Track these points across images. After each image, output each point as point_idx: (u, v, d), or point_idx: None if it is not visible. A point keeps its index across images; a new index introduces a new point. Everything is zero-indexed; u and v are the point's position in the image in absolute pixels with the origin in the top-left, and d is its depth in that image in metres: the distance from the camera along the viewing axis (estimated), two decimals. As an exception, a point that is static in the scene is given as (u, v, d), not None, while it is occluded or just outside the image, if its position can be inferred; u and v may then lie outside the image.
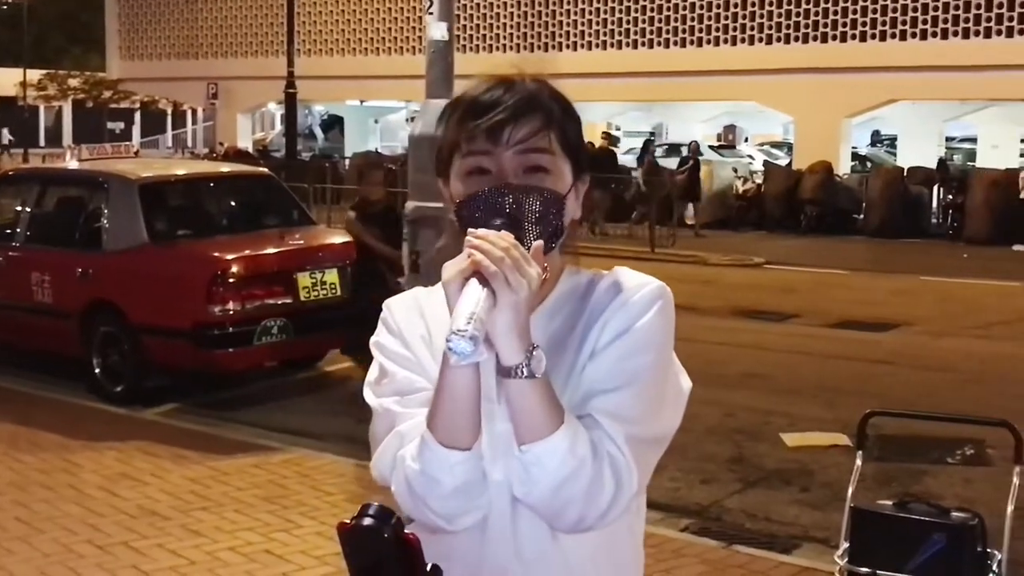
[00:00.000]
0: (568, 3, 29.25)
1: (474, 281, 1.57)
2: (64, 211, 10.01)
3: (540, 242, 1.68)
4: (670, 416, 1.81)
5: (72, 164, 11.02)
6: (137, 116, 54.10)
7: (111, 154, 10.65)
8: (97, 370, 9.12)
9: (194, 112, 52.37)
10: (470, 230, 1.64)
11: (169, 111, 54.36)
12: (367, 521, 1.36)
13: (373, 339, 1.89)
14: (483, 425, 1.70)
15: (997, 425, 4.23)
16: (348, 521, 1.37)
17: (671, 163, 29.54)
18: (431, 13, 4.36)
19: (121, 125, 52.66)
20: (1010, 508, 4.13)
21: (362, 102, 38.78)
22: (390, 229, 8.41)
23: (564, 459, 1.64)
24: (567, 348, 1.78)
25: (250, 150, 33.22)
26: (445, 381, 1.65)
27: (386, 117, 42.99)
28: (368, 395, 1.86)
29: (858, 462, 4.34)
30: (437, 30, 4.41)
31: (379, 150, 34.93)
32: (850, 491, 4.20)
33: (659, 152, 34.18)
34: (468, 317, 1.52)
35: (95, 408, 8.78)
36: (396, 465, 1.73)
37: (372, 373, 1.87)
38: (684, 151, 26.56)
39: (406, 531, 1.37)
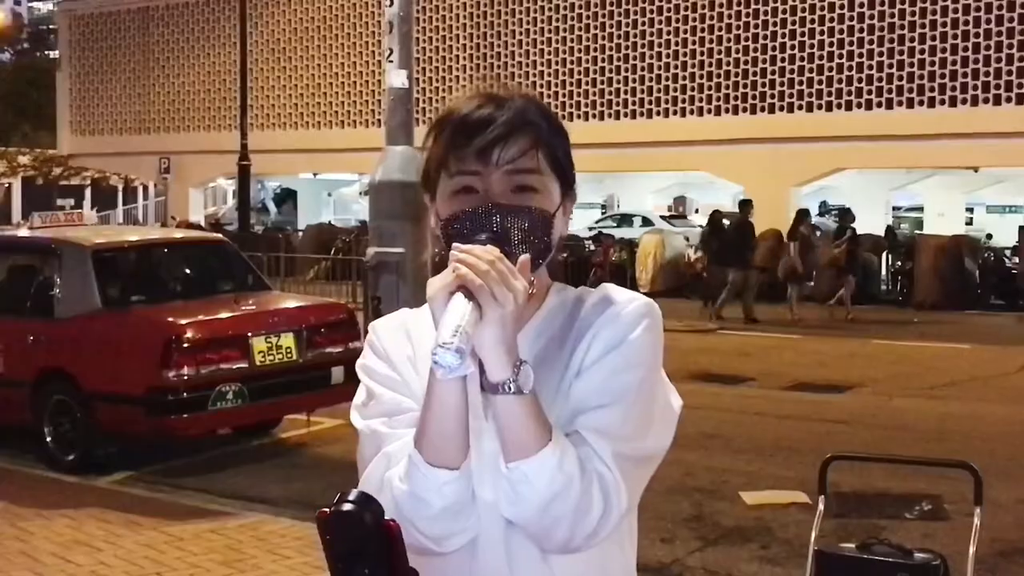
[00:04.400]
0: (519, 76, 29.57)
1: (459, 295, 1.55)
2: (16, 279, 9.91)
3: (527, 256, 1.66)
4: (659, 434, 1.77)
5: (23, 232, 10.93)
6: (88, 192, 53.78)
7: (63, 222, 10.57)
8: (48, 439, 8.98)
9: (145, 188, 52.16)
10: (455, 244, 1.63)
11: (120, 187, 54.10)
12: (347, 506, 1.34)
13: (360, 362, 1.86)
14: (471, 444, 1.67)
15: (957, 467, 4.26)
16: (327, 508, 1.36)
17: (623, 233, 29.84)
18: (391, 61, 4.41)
19: (71, 201, 52.25)
20: (972, 548, 4.15)
21: (315, 175, 38.84)
22: None
23: (552, 477, 1.61)
24: (554, 365, 1.76)
25: (202, 224, 33.10)
26: (432, 398, 1.62)
27: (340, 190, 43.06)
28: (355, 417, 1.82)
29: (820, 506, 4.35)
30: (397, 78, 4.46)
31: (332, 222, 34.91)
32: (813, 535, 4.20)
33: (611, 223, 34.55)
34: (454, 330, 1.50)
35: (46, 477, 8.64)
36: (383, 487, 1.69)
37: (359, 396, 1.84)
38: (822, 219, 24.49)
39: (386, 519, 1.36)
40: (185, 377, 8.41)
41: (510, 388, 1.58)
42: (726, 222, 21.38)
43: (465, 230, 1.70)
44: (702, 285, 21.56)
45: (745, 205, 20.41)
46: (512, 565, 1.72)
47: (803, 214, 20.89)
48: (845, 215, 21.26)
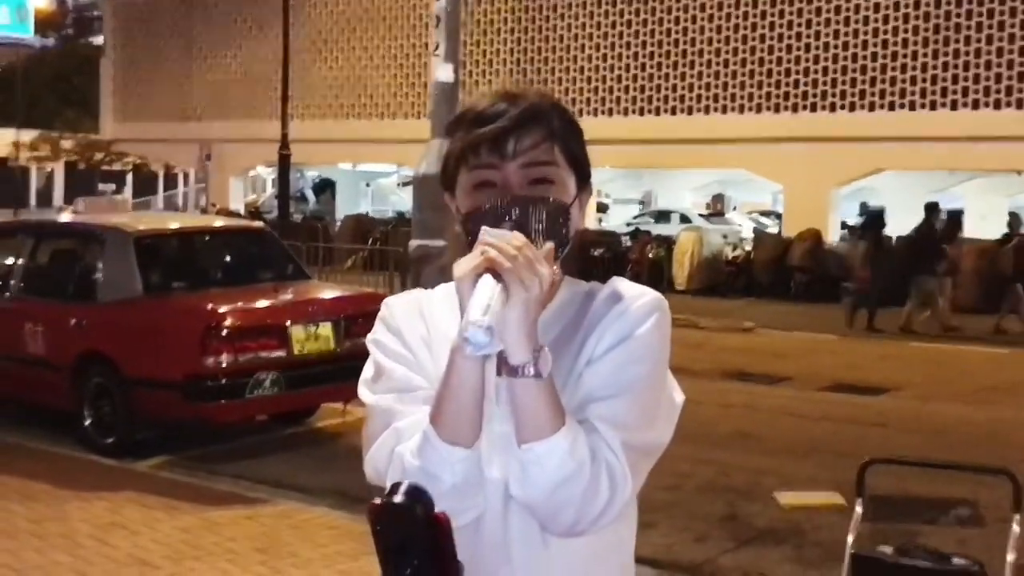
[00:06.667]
0: (560, 72, 29.53)
1: (488, 276, 1.59)
2: (59, 263, 10.02)
3: (551, 244, 1.71)
4: (663, 427, 1.83)
5: (67, 216, 11.05)
6: (129, 178, 54.28)
7: (107, 207, 10.67)
8: (88, 422, 9.06)
9: (186, 175, 52.56)
10: (484, 228, 1.67)
11: (161, 173, 54.55)
12: (398, 499, 1.36)
13: (371, 336, 1.89)
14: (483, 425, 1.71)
15: (996, 473, 4.23)
16: (379, 500, 1.37)
17: (661, 230, 29.76)
18: (438, 55, 4.43)
19: (112, 187, 52.75)
20: (1010, 556, 4.12)
21: (354, 166, 38.97)
22: None
23: (564, 460, 1.65)
24: (565, 355, 1.80)
25: (242, 212, 33.28)
26: (453, 375, 1.66)
27: (377, 181, 43.22)
28: (364, 392, 1.85)
29: (858, 509, 4.33)
30: (443, 71, 4.48)
31: (370, 213, 35.04)
32: (850, 538, 4.19)
33: (648, 220, 34.48)
34: (484, 309, 1.54)
35: (85, 459, 8.72)
36: (392, 461, 1.73)
37: (368, 371, 1.87)
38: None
39: (436, 511, 1.37)
40: (223, 364, 8.47)
41: (529, 371, 1.63)
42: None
43: (485, 223, 1.73)
44: (856, 293, 19.58)
45: (934, 209, 18.96)
46: (511, 545, 1.77)
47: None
48: (1016, 218, 19.43)
